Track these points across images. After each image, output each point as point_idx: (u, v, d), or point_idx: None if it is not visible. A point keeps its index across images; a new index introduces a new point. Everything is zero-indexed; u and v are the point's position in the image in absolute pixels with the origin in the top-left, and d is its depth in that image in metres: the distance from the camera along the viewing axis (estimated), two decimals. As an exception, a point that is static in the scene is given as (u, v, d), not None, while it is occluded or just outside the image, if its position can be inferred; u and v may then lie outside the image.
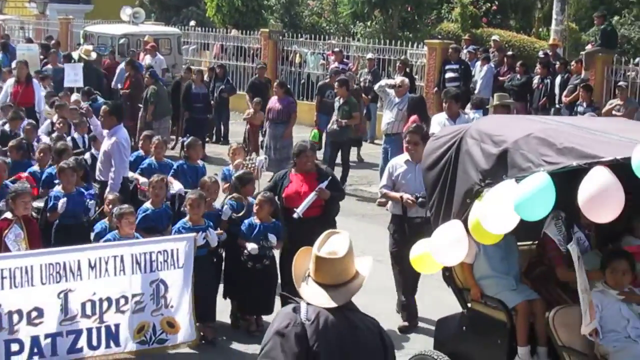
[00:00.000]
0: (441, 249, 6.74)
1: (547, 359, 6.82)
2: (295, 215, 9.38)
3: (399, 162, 9.68)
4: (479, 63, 20.95)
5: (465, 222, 6.61)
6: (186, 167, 11.07)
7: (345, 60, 22.60)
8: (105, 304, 8.41)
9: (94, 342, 8.39)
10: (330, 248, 4.70)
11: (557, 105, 20.52)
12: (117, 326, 8.48)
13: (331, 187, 9.61)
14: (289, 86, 18.45)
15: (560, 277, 7.09)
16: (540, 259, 7.34)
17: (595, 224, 7.05)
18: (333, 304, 4.61)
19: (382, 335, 4.77)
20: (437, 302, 9.46)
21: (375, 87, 16.70)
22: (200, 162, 11.42)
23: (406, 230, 9.39)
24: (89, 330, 8.36)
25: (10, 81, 16.78)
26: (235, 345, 9.41)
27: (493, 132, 6.72)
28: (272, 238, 9.35)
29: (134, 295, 8.53)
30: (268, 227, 9.42)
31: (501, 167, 6.44)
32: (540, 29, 29.85)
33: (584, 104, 19.09)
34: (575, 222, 7.08)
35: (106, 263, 8.37)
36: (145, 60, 21.30)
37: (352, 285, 4.69)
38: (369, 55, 21.74)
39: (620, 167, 5.67)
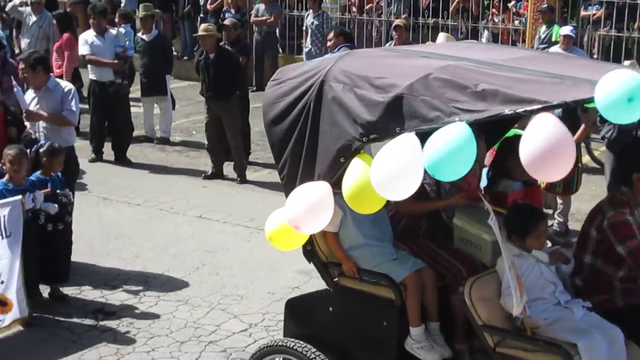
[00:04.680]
0: (300, 214, 5.33)
1: (441, 336, 5.82)
2: None
3: None
4: (120, -24, 19.68)
5: (334, 185, 5.31)
6: None
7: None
8: None
9: None
10: None
11: (201, 15, 20.24)
12: None
13: None
14: None
15: (404, 210, 6.06)
16: (398, 209, 6.19)
17: None
18: None
19: None
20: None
21: (8, 7, 16.49)
22: None
23: None
24: None
25: None
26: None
27: (370, 73, 5.33)
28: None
29: None
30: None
31: (393, 118, 5.09)
32: None
33: (232, 10, 18.89)
34: None
35: None
36: None
37: None
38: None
39: None
